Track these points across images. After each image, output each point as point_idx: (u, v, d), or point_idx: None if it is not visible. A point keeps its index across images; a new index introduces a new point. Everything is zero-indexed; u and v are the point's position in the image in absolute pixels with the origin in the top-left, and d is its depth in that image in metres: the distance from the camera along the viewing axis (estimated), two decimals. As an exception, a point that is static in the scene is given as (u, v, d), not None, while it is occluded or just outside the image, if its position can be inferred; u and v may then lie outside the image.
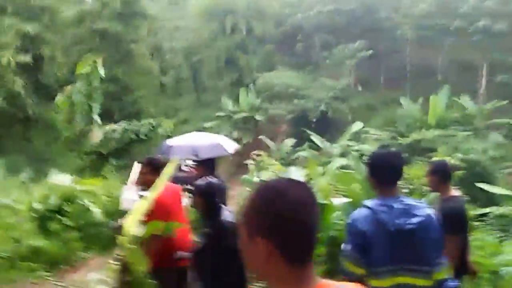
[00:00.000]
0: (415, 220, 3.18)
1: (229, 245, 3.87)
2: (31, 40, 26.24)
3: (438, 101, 25.72)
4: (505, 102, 26.46)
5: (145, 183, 5.19)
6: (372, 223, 3.18)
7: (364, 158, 23.89)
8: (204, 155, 7.02)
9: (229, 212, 4.48)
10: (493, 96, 29.31)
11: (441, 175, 4.59)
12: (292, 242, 1.47)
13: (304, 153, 23.21)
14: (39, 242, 8.79)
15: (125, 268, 4.70)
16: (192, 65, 39.46)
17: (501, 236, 8.52)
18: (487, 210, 10.72)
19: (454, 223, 4.16)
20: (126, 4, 31.18)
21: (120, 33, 30.69)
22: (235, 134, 30.94)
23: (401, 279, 3.19)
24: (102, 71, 18.11)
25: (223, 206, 4.46)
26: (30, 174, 21.84)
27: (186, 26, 39.75)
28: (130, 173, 12.03)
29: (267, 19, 35.43)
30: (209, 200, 4.35)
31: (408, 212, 3.20)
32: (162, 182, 4.78)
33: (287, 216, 1.45)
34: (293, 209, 1.46)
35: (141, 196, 10.30)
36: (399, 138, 25.01)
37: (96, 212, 9.81)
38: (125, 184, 11.83)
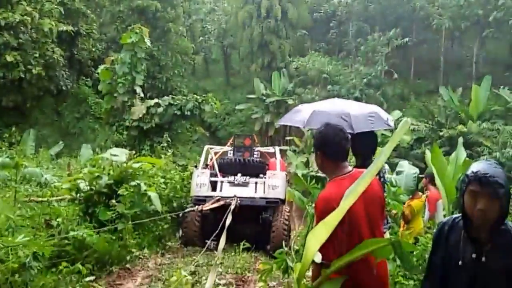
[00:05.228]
0: None
1: None
2: (70, 13, 23.73)
3: (480, 93, 23.12)
4: (547, 98, 23.61)
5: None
6: None
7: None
8: (361, 127, 4.18)
9: None
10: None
11: None
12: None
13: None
14: (86, 234, 6.14)
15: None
16: (223, 47, 36.94)
17: None
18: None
19: None
20: (168, -19, 28.63)
21: (159, 11, 28.10)
22: (268, 117, 28.56)
23: None
24: (148, 42, 15.88)
25: None
26: (60, 148, 19.71)
27: (220, 9, 37.04)
28: (201, 156, 9.85)
29: (302, 4, 32.56)
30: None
31: None
32: (378, 167, 2.25)
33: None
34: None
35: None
36: (442, 129, 22.37)
37: (154, 198, 7.26)
38: (195, 167, 9.60)
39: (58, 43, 22.35)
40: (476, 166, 2.27)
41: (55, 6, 20.81)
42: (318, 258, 2.35)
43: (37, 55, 20.54)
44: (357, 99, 27.69)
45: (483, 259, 2.24)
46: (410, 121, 2.80)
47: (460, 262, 2.29)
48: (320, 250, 2.25)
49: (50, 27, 19.95)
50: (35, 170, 8.90)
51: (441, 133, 22.02)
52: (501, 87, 24.10)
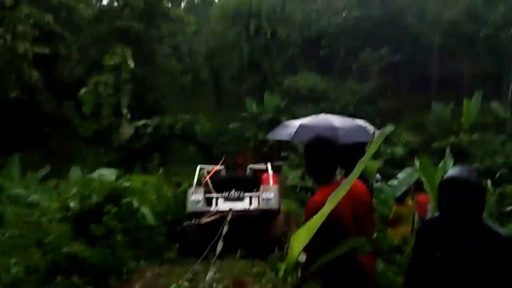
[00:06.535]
0: None
1: None
2: (47, 35, 23.62)
3: (472, 106, 24.33)
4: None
5: None
6: None
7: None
8: (347, 139, 4.52)
9: None
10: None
11: None
12: None
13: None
14: (79, 249, 6.32)
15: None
16: (213, 68, 37.28)
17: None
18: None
19: None
20: (148, 4, 28.93)
21: (141, 32, 28.39)
22: (261, 135, 28.85)
23: None
24: (131, 63, 16.17)
25: None
26: (47, 171, 19.57)
27: (207, 30, 37.57)
28: (195, 175, 10.14)
29: (292, 24, 33.15)
30: None
31: None
32: (356, 174, 2.59)
33: None
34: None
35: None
36: (434, 141, 23.62)
37: (147, 213, 7.47)
38: (190, 186, 9.91)
39: (35, 66, 21.78)
40: (452, 171, 2.60)
41: (29, 29, 20.46)
42: (303, 258, 2.64)
43: (13, 77, 20.25)
44: (351, 115, 28.17)
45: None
46: (385, 132, 3.13)
47: (438, 254, 2.57)
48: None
49: (25, 49, 19.74)
50: (21, 191, 9.07)
51: (433, 145, 23.08)
52: (492, 100, 25.70)
